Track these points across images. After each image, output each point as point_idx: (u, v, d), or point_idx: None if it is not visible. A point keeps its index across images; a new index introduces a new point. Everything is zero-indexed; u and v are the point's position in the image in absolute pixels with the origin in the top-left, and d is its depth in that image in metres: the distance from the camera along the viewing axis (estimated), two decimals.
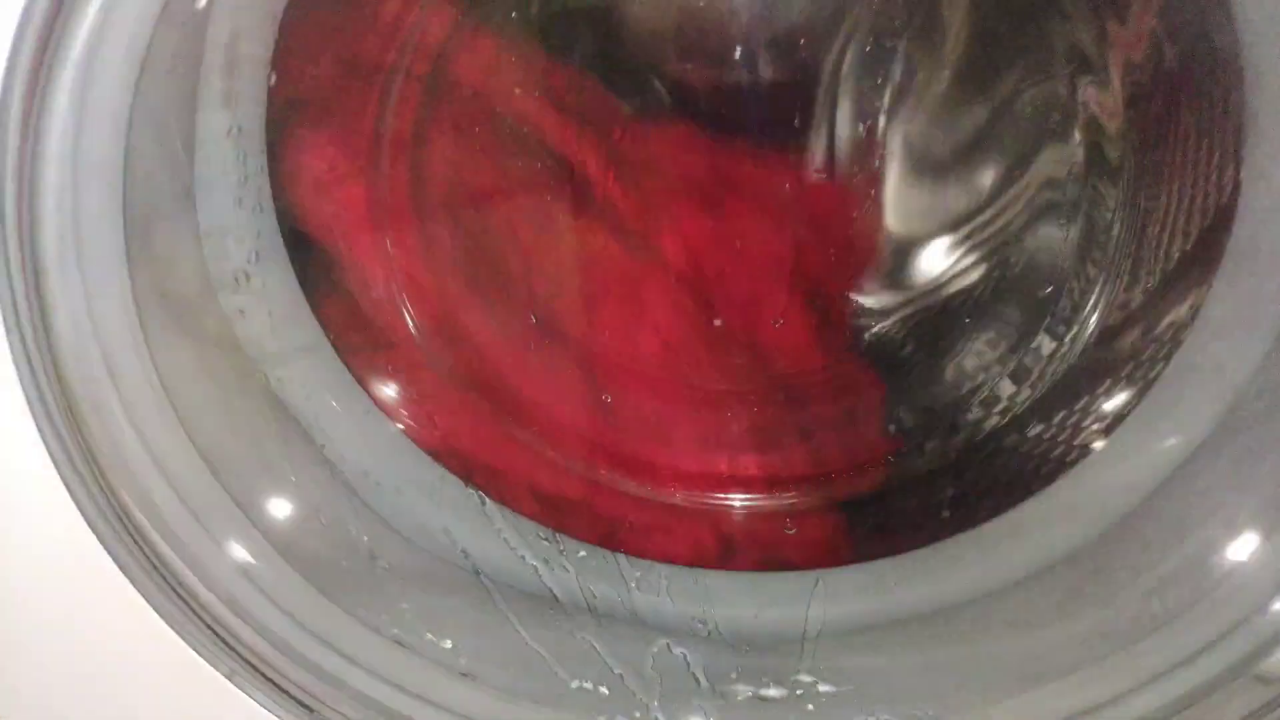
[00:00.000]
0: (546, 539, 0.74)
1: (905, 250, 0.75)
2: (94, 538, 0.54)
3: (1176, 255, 0.68)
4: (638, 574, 0.75)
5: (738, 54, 0.71)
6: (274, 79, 0.60)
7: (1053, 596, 0.64)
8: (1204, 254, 0.65)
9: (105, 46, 0.47)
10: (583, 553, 0.75)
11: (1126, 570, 0.61)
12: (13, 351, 0.49)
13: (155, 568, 0.56)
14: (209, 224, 0.60)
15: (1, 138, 0.44)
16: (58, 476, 0.52)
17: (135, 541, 0.56)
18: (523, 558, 0.74)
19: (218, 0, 0.53)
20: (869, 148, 0.72)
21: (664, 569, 0.76)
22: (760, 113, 0.73)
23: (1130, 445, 0.67)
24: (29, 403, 0.50)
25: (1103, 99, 0.70)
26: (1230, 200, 0.63)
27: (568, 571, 0.74)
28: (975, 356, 0.76)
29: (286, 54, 0.60)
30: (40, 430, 0.51)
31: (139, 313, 0.55)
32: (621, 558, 0.75)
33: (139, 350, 0.56)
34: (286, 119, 0.62)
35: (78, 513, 0.54)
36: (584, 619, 0.73)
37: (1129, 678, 0.57)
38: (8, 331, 0.48)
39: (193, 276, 0.60)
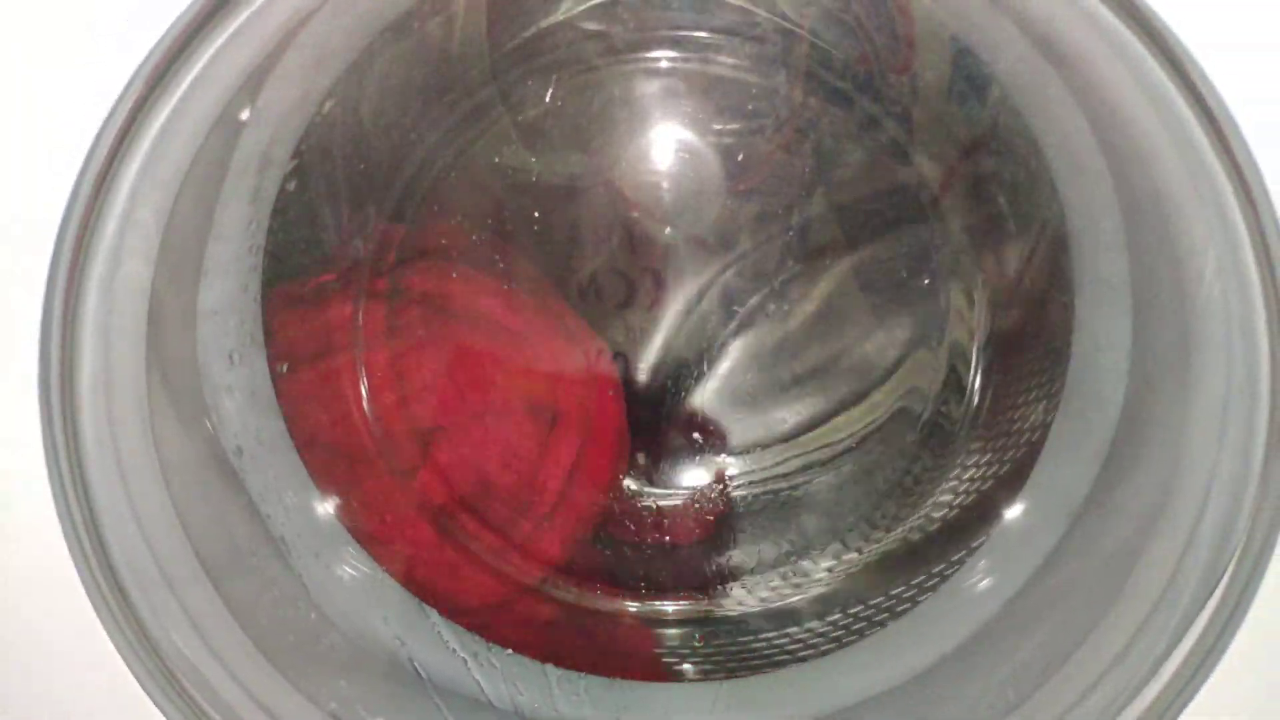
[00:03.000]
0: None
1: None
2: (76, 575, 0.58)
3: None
4: (558, 674, 0.80)
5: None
6: (293, 184, 0.68)
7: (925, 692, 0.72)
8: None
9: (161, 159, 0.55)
10: (509, 650, 0.80)
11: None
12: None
13: (122, 611, 0.59)
14: (214, 304, 0.66)
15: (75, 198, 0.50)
16: (57, 523, 0.57)
17: (110, 585, 0.59)
18: (453, 650, 0.78)
19: (258, 112, 0.61)
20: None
21: (583, 676, 0.81)
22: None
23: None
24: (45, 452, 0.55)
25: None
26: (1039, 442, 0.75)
27: (495, 668, 0.79)
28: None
29: (307, 163, 0.68)
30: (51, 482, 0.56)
31: (148, 377, 0.60)
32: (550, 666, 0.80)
33: (141, 409, 0.61)
34: (292, 223, 0.70)
35: (69, 558, 0.58)
36: (508, 715, 0.77)
37: None
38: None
39: (191, 350, 0.66)
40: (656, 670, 0.83)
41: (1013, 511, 0.75)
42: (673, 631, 0.86)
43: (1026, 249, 0.79)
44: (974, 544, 0.77)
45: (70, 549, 0.56)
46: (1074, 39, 0.60)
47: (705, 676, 0.82)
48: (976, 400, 0.83)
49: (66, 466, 0.55)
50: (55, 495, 0.55)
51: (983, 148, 0.79)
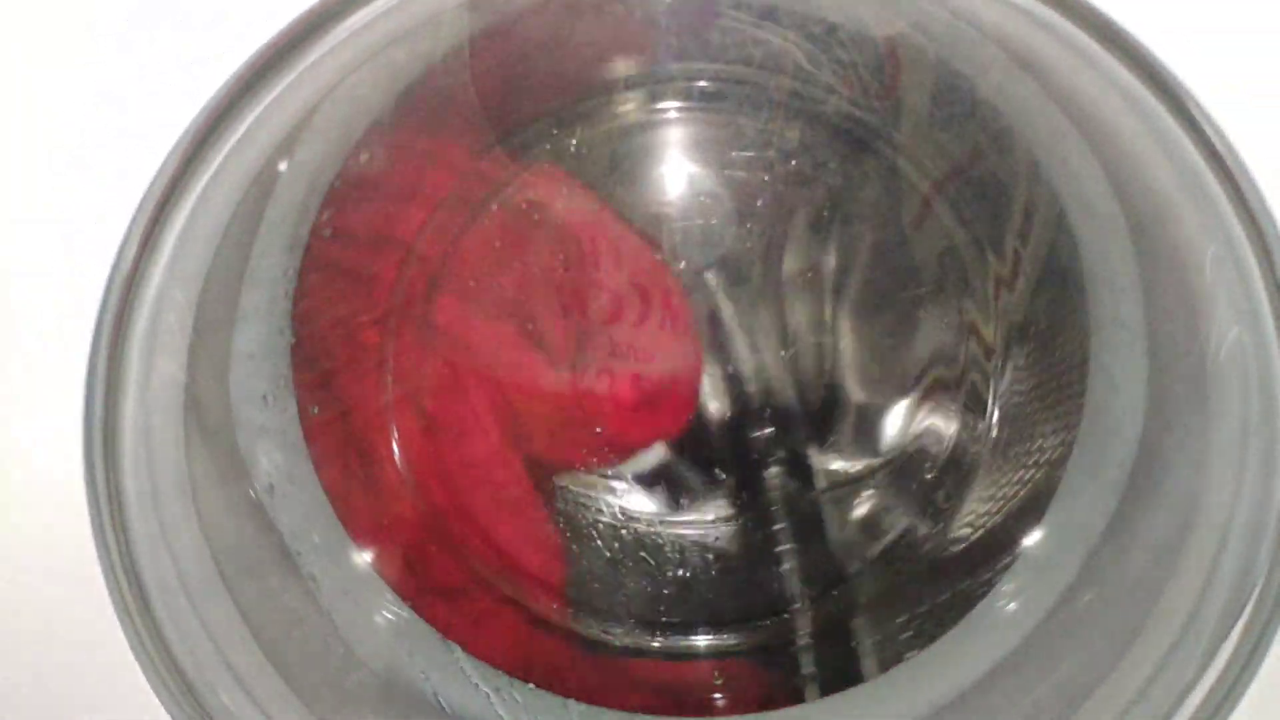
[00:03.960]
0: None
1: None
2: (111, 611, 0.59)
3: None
4: (580, 709, 0.81)
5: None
6: (329, 232, 0.69)
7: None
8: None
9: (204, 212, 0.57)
10: (531, 686, 0.81)
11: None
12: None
13: (155, 646, 0.61)
14: (249, 348, 0.68)
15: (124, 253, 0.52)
16: (95, 557, 0.58)
17: (145, 618, 0.60)
18: (477, 685, 0.80)
19: (295, 164, 0.63)
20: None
21: (604, 712, 0.82)
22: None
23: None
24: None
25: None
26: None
27: (518, 702, 0.80)
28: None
29: (339, 215, 0.70)
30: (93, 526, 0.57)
31: (184, 416, 0.62)
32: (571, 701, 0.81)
33: (178, 447, 0.62)
34: (322, 269, 0.72)
35: (104, 589, 0.59)
36: None
37: None
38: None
39: (224, 393, 0.68)
40: (680, 705, 0.84)
41: (1031, 541, 0.76)
42: (695, 666, 0.87)
43: (1041, 288, 0.81)
44: (994, 574, 0.78)
45: (107, 585, 0.58)
46: (1088, 92, 0.61)
47: (729, 711, 0.83)
48: (995, 432, 0.84)
49: (108, 511, 0.56)
50: (96, 540, 0.56)
51: (1004, 197, 0.81)
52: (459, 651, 0.80)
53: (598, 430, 0.86)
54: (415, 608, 0.80)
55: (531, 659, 0.83)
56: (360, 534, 0.78)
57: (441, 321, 0.81)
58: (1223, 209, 0.54)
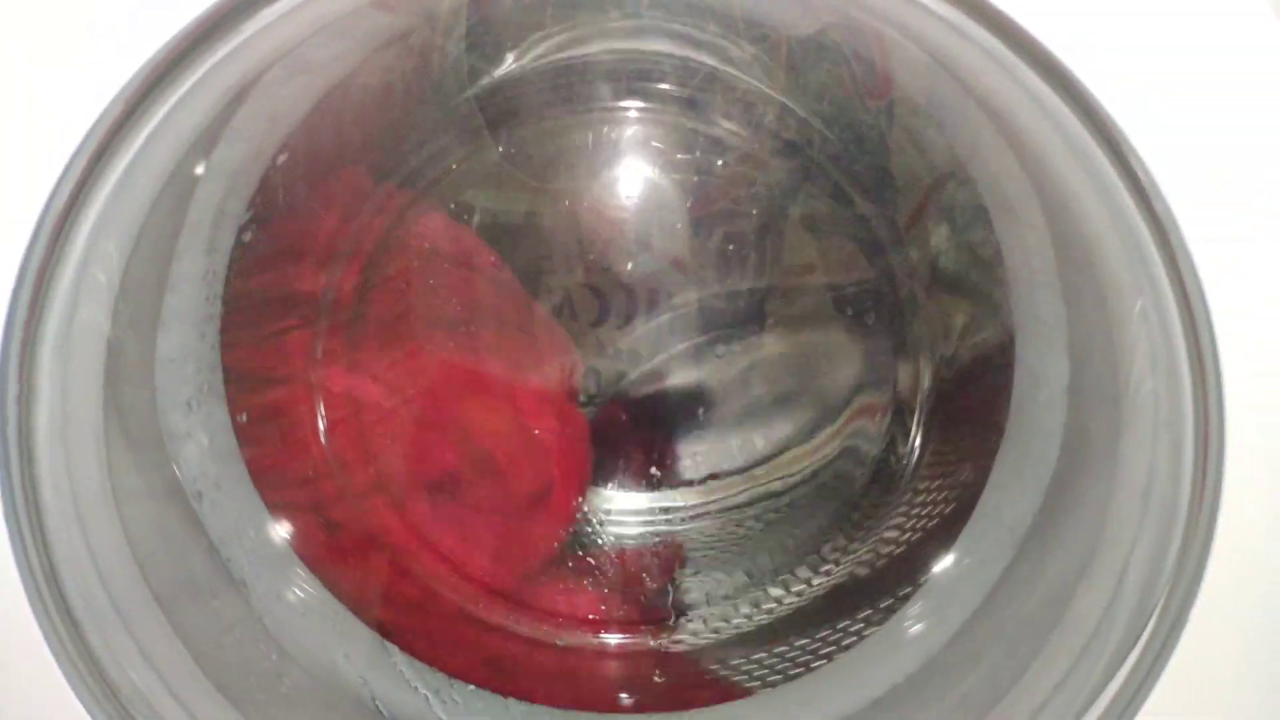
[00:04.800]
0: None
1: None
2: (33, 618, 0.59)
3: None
4: (521, 709, 0.81)
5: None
6: (249, 235, 0.69)
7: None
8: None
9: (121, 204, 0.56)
10: (471, 687, 0.81)
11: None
12: None
13: (81, 656, 0.60)
14: (171, 353, 0.68)
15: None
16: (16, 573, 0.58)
17: (70, 630, 0.60)
18: (415, 688, 0.80)
19: (213, 165, 0.63)
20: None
21: (548, 710, 0.82)
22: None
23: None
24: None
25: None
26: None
27: (457, 703, 0.80)
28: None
29: (262, 213, 0.70)
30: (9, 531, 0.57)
31: (105, 425, 0.62)
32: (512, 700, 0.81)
33: (99, 454, 0.62)
34: (249, 271, 0.71)
35: (27, 604, 0.59)
36: None
37: None
38: None
39: (149, 396, 0.67)
40: (615, 702, 0.85)
41: (940, 568, 0.78)
42: (629, 664, 0.87)
43: (970, 326, 0.82)
44: (919, 580, 0.79)
45: (29, 597, 0.57)
46: (1005, 96, 0.62)
47: (662, 708, 0.84)
48: (914, 458, 0.85)
49: (25, 518, 0.56)
50: (14, 544, 0.56)
51: (931, 195, 0.82)
52: (397, 654, 0.80)
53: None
54: (351, 606, 0.80)
55: (468, 656, 0.83)
56: (293, 531, 0.78)
57: (372, 319, 0.81)
58: (1152, 259, 0.55)
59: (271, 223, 0.71)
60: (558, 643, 0.86)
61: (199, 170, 0.62)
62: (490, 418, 0.87)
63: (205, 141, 0.61)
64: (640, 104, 0.85)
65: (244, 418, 0.74)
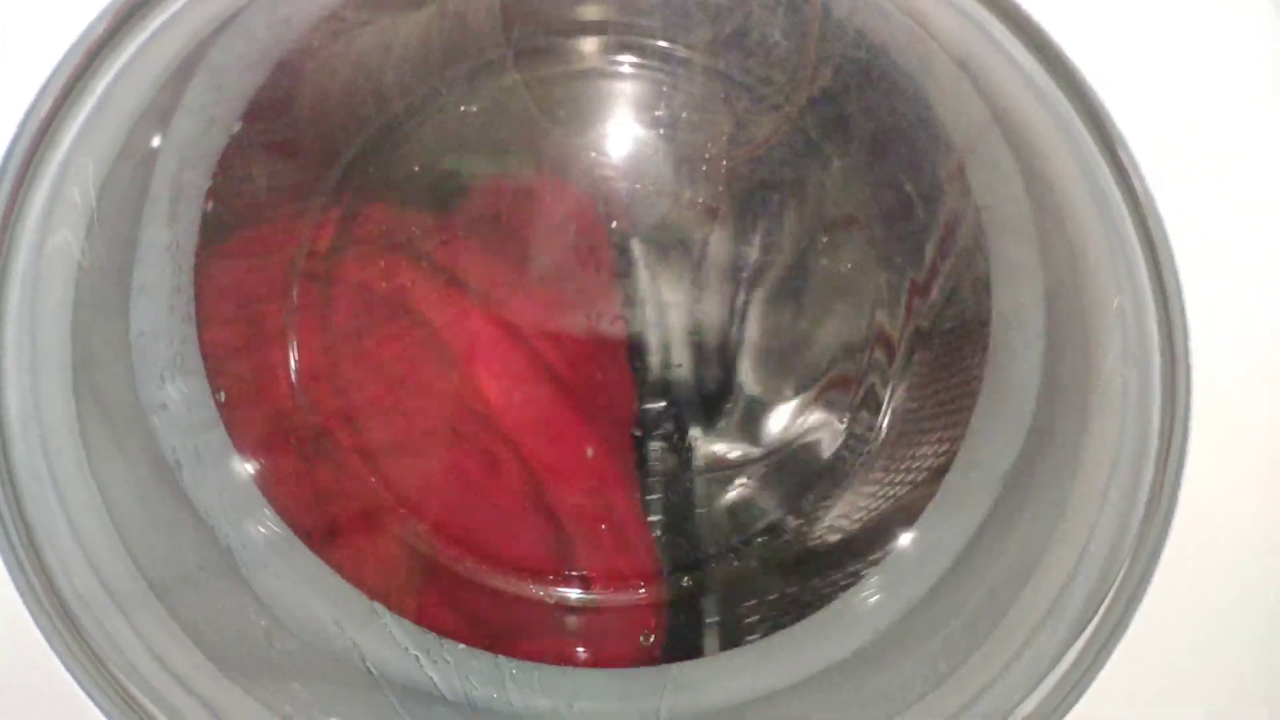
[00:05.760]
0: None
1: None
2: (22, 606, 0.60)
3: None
4: (513, 669, 0.82)
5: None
6: (210, 205, 0.69)
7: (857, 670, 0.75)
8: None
9: (72, 171, 0.56)
10: (462, 646, 0.82)
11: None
12: None
13: (75, 639, 0.61)
14: (142, 327, 0.68)
15: None
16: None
17: (60, 614, 0.61)
18: (405, 649, 0.80)
19: (169, 136, 0.63)
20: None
21: (537, 666, 0.83)
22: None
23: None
24: None
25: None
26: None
27: (448, 663, 0.81)
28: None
29: (222, 184, 0.69)
30: None
31: (77, 405, 0.62)
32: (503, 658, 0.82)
33: (73, 435, 0.62)
34: (216, 240, 0.71)
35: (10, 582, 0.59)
36: (464, 710, 0.79)
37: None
38: None
39: (123, 373, 0.68)
40: (607, 657, 0.85)
41: (901, 543, 0.79)
42: (617, 619, 0.88)
43: (952, 299, 0.82)
44: (858, 572, 0.80)
45: (12, 575, 0.58)
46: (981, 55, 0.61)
47: (655, 661, 0.84)
48: (883, 437, 0.85)
49: (5, 504, 0.57)
50: None
51: (898, 143, 0.81)
52: (387, 615, 0.81)
53: None
54: (338, 568, 0.80)
55: (460, 618, 0.84)
56: (274, 494, 0.79)
57: (345, 282, 0.81)
58: (1134, 259, 0.54)
59: (231, 190, 0.71)
60: (546, 599, 0.87)
61: (155, 143, 0.62)
62: (496, 380, 0.86)
63: (160, 115, 0.61)
64: (667, 50, 0.83)
65: (220, 390, 0.74)
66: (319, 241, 0.80)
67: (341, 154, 0.77)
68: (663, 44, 0.82)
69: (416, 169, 0.82)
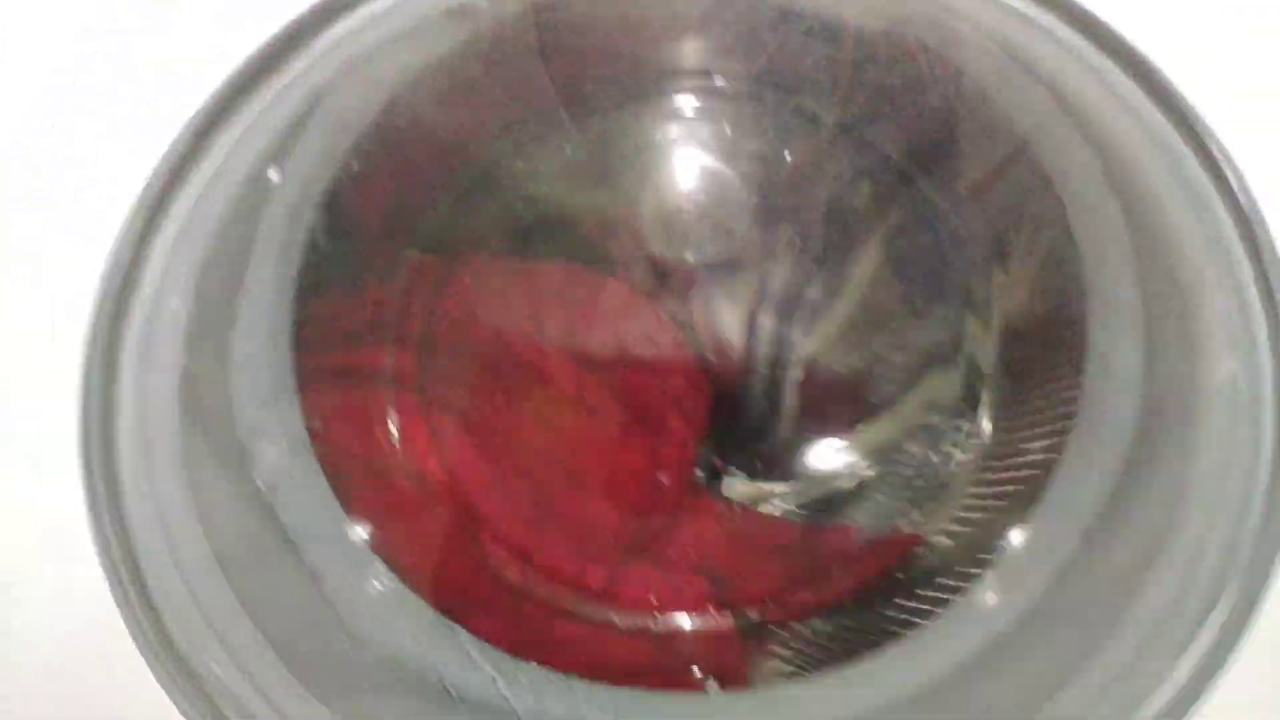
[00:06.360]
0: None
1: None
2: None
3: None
4: (585, 688, 0.83)
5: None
6: (322, 239, 0.71)
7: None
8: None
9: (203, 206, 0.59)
10: (537, 666, 0.83)
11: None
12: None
13: (163, 645, 0.63)
14: (246, 354, 0.70)
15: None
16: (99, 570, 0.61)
17: (151, 621, 0.63)
18: (481, 668, 0.82)
19: (287, 173, 0.65)
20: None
21: (611, 690, 0.84)
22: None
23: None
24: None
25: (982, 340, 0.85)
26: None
27: (522, 683, 0.82)
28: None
29: (327, 220, 0.72)
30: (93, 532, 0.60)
31: (182, 419, 0.64)
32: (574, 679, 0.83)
33: (178, 458, 0.65)
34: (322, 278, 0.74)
35: (109, 597, 0.62)
36: None
37: None
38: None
39: (224, 397, 0.70)
40: (687, 681, 0.86)
41: (1013, 542, 0.78)
42: (698, 645, 0.88)
43: (1042, 295, 0.81)
44: (987, 559, 0.79)
45: (113, 592, 0.60)
46: (1083, 90, 0.61)
47: (733, 687, 0.85)
48: (986, 439, 0.85)
49: (108, 516, 0.59)
50: (97, 543, 0.59)
51: (997, 181, 0.81)
52: (463, 634, 0.82)
53: None
54: (422, 593, 0.82)
55: (537, 639, 0.85)
56: (364, 522, 0.80)
57: (445, 316, 0.83)
58: (1237, 259, 0.54)
59: (343, 225, 0.73)
60: (623, 624, 0.88)
61: (273, 176, 0.64)
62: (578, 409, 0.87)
63: (279, 150, 0.63)
64: (705, 89, 0.84)
65: (316, 418, 0.76)
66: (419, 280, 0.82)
67: (439, 201, 0.79)
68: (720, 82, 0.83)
69: (509, 213, 0.84)
